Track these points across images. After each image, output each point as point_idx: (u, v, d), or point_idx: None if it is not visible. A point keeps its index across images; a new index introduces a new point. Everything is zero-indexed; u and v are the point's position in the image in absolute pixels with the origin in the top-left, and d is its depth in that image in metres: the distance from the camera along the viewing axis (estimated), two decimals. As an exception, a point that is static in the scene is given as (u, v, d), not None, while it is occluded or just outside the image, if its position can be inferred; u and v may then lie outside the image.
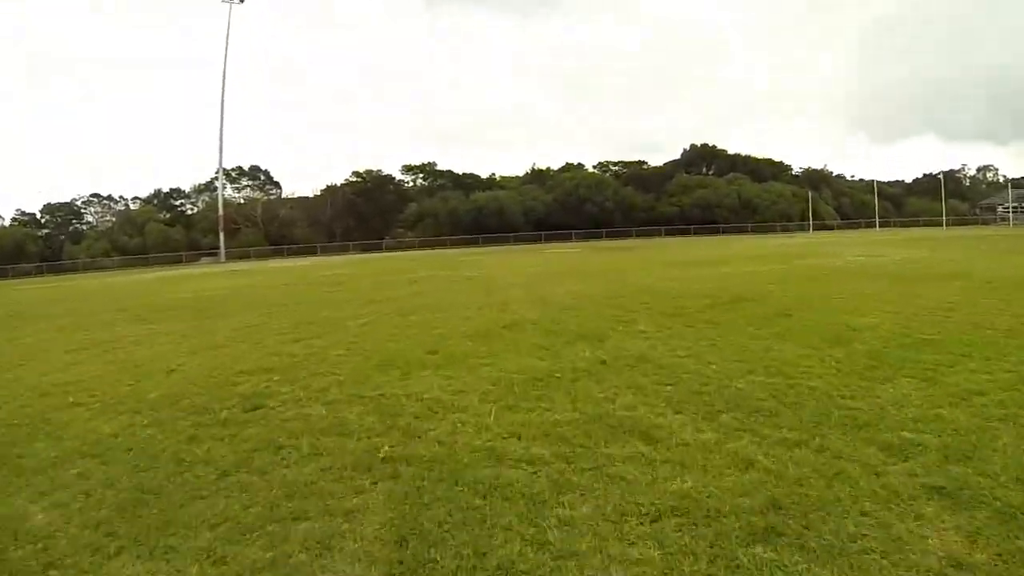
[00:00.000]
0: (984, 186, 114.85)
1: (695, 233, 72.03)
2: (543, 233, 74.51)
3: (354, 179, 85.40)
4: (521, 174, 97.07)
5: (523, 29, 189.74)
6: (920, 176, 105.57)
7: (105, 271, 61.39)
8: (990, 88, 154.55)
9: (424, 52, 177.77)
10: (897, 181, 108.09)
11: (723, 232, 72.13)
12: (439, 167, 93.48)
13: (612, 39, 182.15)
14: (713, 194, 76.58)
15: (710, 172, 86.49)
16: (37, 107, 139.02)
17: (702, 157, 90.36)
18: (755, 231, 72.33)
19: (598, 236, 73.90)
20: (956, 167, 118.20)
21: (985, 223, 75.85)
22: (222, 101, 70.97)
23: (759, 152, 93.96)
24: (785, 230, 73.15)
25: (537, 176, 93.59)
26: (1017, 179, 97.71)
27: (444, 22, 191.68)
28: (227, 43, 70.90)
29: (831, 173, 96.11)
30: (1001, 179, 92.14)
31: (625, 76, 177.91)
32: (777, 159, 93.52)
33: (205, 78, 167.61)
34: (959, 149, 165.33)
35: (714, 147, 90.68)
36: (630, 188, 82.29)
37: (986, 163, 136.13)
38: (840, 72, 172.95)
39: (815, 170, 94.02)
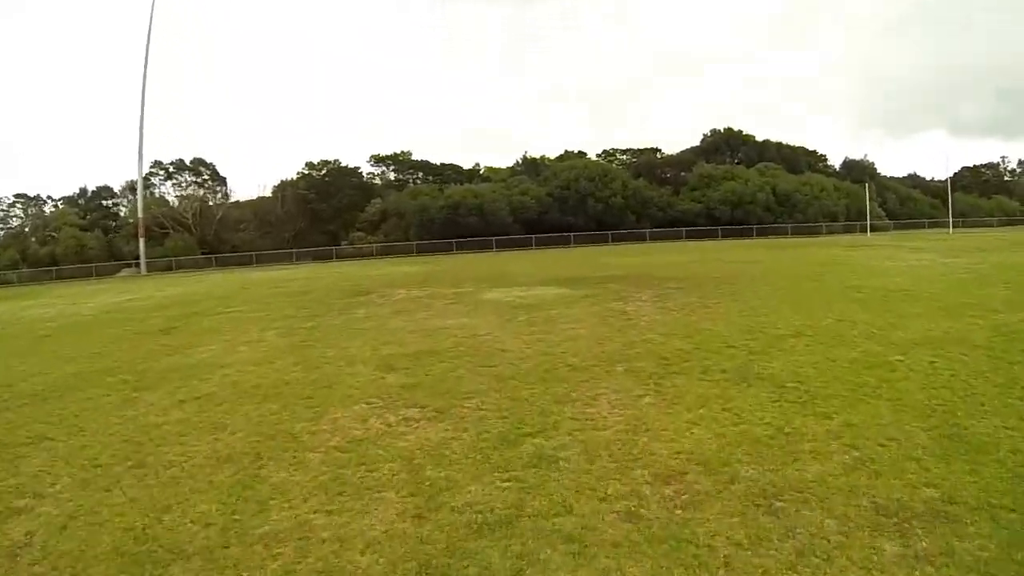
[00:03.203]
0: None
1: (724, 236, 66.74)
2: (534, 236, 68.02)
3: (308, 172, 79.41)
4: (512, 164, 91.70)
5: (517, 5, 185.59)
6: (959, 170, 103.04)
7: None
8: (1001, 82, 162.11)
9: (403, 29, 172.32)
10: (913, 176, 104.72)
11: (758, 234, 66.83)
12: (415, 157, 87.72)
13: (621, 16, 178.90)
14: (743, 187, 71.02)
15: (736, 161, 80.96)
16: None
17: (727, 143, 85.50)
18: (797, 232, 67.22)
19: (603, 240, 67.92)
20: (994, 160, 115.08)
21: None
22: (144, 81, 64.81)
23: (789, 140, 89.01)
24: (831, 232, 68.19)
25: (530, 166, 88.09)
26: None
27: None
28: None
29: (873, 165, 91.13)
30: None
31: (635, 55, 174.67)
32: (811, 148, 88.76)
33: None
34: (968, 143, 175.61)
35: (740, 132, 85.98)
36: (642, 180, 76.68)
37: None
38: (863, 62, 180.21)
39: (856, 161, 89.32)
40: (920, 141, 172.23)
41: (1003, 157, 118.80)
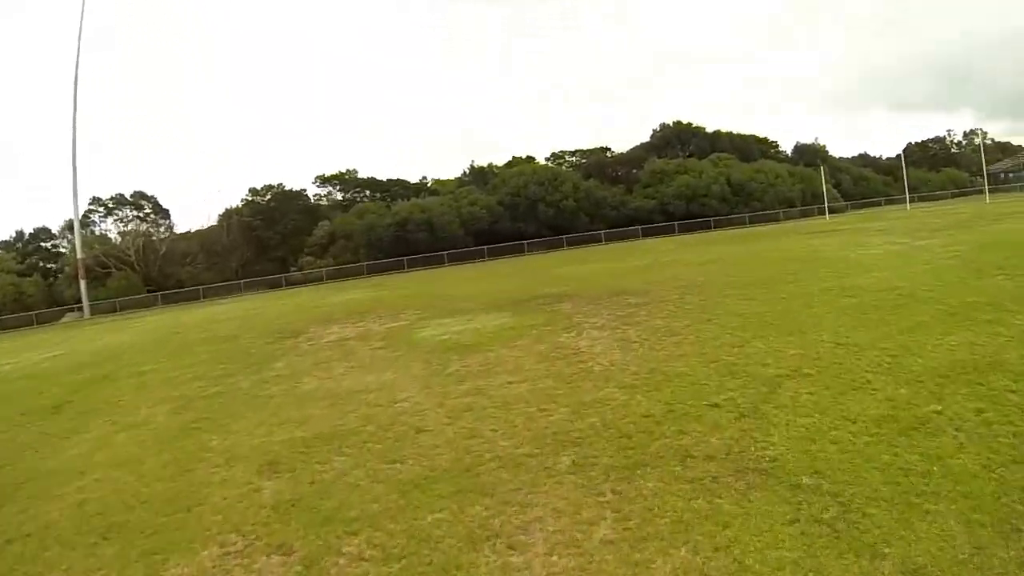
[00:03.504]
0: (972, 152, 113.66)
1: (681, 231, 65.40)
2: (486, 247, 66.25)
3: (252, 198, 76.74)
4: (459, 174, 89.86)
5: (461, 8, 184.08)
6: (907, 146, 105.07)
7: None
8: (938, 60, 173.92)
9: (345, 40, 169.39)
10: (864, 155, 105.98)
11: (716, 227, 65.69)
12: (360, 175, 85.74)
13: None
14: (697, 180, 69.95)
15: (688, 155, 79.85)
16: None
17: (678, 137, 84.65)
18: (754, 221, 66.55)
19: (558, 245, 66.33)
20: (940, 134, 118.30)
21: (1019, 189, 72.07)
22: (74, 111, 61.67)
23: (740, 128, 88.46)
24: (789, 217, 67.64)
25: (478, 175, 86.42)
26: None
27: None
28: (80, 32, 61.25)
29: (825, 148, 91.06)
30: (981, 144, 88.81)
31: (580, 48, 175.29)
32: (762, 135, 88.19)
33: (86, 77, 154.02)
34: (912, 118, 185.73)
35: (690, 124, 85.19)
36: (593, 180, 75.20)
37: (972, 128, 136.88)
38: (809, 46, 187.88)
39: (808, 145, 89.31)
40: (867, 120, 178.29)
41: (949, 130, 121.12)
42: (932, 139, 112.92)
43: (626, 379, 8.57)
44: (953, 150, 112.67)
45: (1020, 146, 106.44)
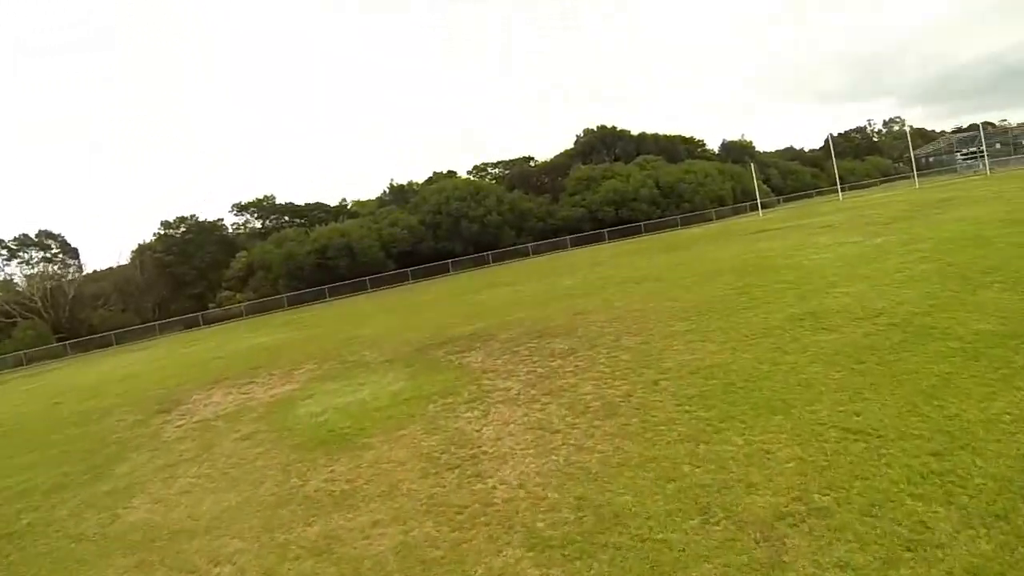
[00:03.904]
0: (893, 139, 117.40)
1: (612, 237, 63.63)
2: (410, 269, 63.59)
3: (165, 232, 72.57)
4: (379, 194, 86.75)
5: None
6: (828, 138, 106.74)
7: None
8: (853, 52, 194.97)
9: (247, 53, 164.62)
10: (790, 148, 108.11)
11: (647, 231, 64.23)
12: (279, 200, 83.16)
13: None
14: (625, 185, 68.20)
15: (614, 159, 78.10)
16: None
17: (602, 142, 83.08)
18: (687, 223, 65.91)
19: (484, 262, 63.89)
20: (861, 124, 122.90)
21: (939, 173, 72.60)
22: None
23: (667, 129, 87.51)
24: (721, 216, 66.97)
25: (398, 194, 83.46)
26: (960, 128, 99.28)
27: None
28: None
29: (752, 144, 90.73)
30: (907, 130, 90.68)
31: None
32: (688, 135, 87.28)
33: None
34: (833, 109, 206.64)
35: (614, 128, 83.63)
36: (518, 192, 72.81)
37: (892, 116, 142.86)
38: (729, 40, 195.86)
39: (735, 142, 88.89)
40: (791, 114, 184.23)
41: (869, 120, 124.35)
42: (854, 129, 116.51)
43: (541, 525, 5.59)
44: (875, 139, 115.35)
45: (936, 131, 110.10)
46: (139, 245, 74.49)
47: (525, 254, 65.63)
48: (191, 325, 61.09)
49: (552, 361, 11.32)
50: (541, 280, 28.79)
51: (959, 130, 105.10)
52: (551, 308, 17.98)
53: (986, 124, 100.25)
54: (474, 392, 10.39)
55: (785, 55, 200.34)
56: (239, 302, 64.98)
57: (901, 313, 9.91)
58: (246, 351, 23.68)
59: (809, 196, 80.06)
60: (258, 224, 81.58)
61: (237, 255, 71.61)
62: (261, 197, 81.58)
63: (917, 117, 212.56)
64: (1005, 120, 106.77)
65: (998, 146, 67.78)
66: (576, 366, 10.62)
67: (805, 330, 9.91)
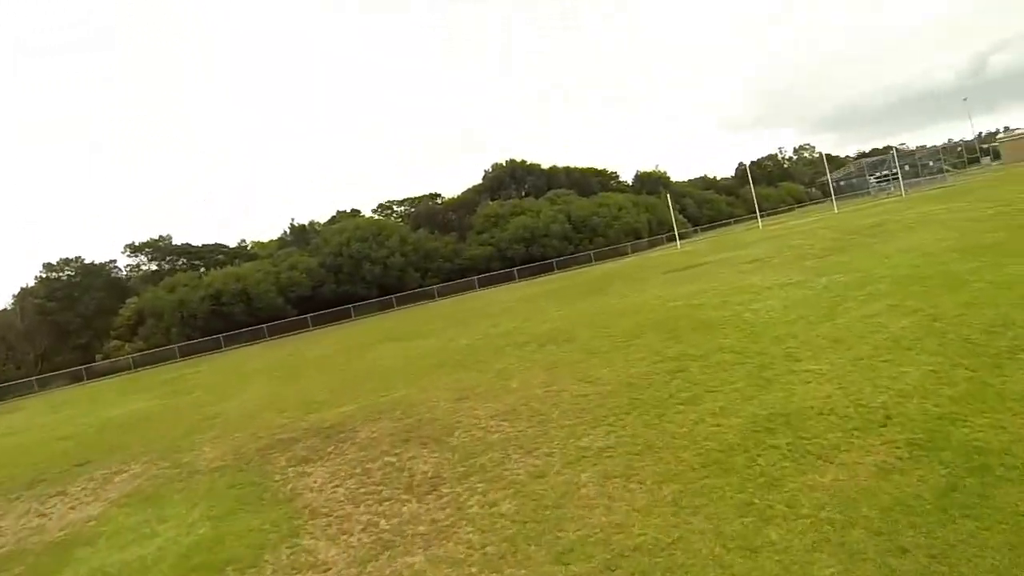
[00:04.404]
0: (803, 165, 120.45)
1: (522, 276, 60.88)
2: (310, 315, 59.91)
3: (47, 275, 67.96)
4: (280, 235, 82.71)
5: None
6: (739, 165, 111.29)
7: None
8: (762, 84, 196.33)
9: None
10: (703, 177, 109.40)
11: (559, 267, 61.71)
12: (176, 241, 78.12)
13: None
14: (535, 221, 65.31)
15: (524, 194, 75.39)
16: None
17: (511, 176, 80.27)
18: (600, 258, 64.39)
19: (388, 306, 60.63)
20: (772, 151, 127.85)
21: (852, 196, 73.31)
22: None
23: (578, 162, 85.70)
24: (637, 250, 64.79)
25: (299, 235, 79.03)
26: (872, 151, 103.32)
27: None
28: None
29: (666, 174, 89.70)
30: (823, 156, 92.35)
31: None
32: (600, 167, 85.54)
33: None
34: (741, 138, 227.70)
35: (524, 162, 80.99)
36: (423, 231, 69.27)
37: (802, 143, 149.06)
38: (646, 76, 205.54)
39: (648, 173, 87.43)
40: (703, 144, 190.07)
41: (780, 147, 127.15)
42: (766, 156, 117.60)
43: None
44: (786, 165, 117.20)
45: (841, 157, 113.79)
46: (21, 289, 69.11)
47: (431, 296, 62.55)
48: (77, 379, 56.60)
49: (405, 504, 7.45)
50: (438, 334, 25.04)
51: (863, 155, 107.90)
52: (435, 384, 14.19)
53: (887, 148, 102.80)
54: (282, 563, 6.54)
55: (695, 88, 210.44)
56: (128, 353, 60.16)
57: (915, 416, 6.50)
58: (96, 428, 19.95)
59: (727, 224, 79.24)
60: (153, 266, 76.12)
61: (127, 301, 67.06)
62: (156, 237, 76.51)
63: (821, 144, 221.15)
64: (904, 144, 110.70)
65: (907, 168, 68.40)
66: (432, 522, 6.77)
67: (783, 458, 6.25)
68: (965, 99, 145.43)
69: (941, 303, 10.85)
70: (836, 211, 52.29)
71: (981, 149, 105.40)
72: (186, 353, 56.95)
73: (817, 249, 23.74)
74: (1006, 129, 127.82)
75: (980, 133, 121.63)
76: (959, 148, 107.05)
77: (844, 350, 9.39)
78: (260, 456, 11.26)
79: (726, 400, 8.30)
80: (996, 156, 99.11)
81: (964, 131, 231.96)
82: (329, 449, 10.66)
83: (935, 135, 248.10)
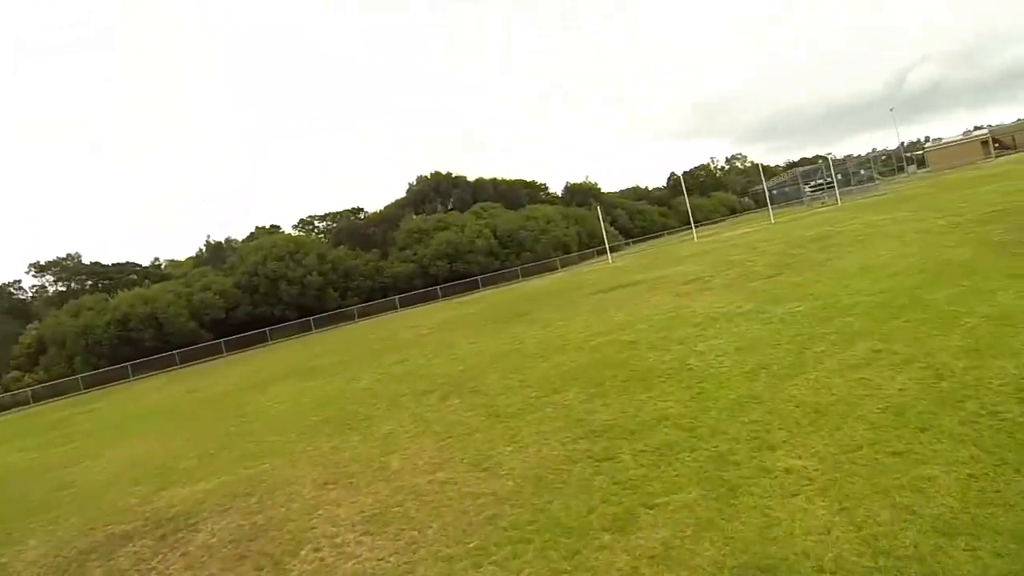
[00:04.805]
0: (736, 175, 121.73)
1: (445, 294, 58.59)
2: (224, 340, 56.15)
3: None
4: (195, 253, 78.93)
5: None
6: (671, 176, 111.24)
7: None
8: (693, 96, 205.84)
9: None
10: (635, 188, 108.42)
11: (485, 284, 59.90)
12: (85, 260, 73.49)
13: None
14: (459, 236, 62.71)
15: (449, 208, 72.76)
16: None
17: (436, 190, 77.47)
18: (527, 274, 62.70)
19: (306, 328, 57.74)
20: (704, 160, 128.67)
21: (786, 205, 73.24)
22: None
23: (506, 173, 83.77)
24: (567, 264, 63.25)
25: (215, 253, 74.97)
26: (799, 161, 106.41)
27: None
28: None
29: (597, 185, 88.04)
30: (759, 166, 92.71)
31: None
32: (529, 179, 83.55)
33: None
34: (672, 148, 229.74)
35: (449, 174, 78.51)
36: (343, 248, 66.04)
37: (734, 152, 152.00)
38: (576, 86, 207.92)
39: (579, 184, 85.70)
40: (634, 154, 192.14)
41: (712, 157, 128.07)
42: (698, 166, 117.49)
43: None
44: (718, 175, 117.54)
45: (771, 166, 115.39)
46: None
47: (351, 318, 59.53)
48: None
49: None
50: (341, 370, 22.31)
51: (794, 164, 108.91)
52: (309, 454, 11.31)
53: (818, 157, 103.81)
54: None
55: (627, 98, 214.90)
56: (28, 385, 55.10)
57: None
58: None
59: (660, 236, 78.03)
60: (60, 287, 71.87)
61: (28, 327, 63.34)
62: (64, 256, 72.32)
63: (752, 154, 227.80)
64: (831, 153, 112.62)
65: (840, 177, 68.17)
66: None
67: None
68: (892, 109, 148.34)
69: (936, 349, 8.42)
70: (773, 221, 50.95)
71: (906, 158, 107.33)
72: (91, 384, 52.40)
73: (761, 266, 21.45)
74: (927, 139, 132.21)
75: (903, 143, 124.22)
76: (883, 157, 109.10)
77: (832, 430, 6.74)
78: (77, 565, 8.36)
79: (672, 530, 5.47)
80: (920, 164, 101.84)
81: (888, 141, 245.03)
82: (155, 561, 7.77)
83: (860, 145, 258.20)
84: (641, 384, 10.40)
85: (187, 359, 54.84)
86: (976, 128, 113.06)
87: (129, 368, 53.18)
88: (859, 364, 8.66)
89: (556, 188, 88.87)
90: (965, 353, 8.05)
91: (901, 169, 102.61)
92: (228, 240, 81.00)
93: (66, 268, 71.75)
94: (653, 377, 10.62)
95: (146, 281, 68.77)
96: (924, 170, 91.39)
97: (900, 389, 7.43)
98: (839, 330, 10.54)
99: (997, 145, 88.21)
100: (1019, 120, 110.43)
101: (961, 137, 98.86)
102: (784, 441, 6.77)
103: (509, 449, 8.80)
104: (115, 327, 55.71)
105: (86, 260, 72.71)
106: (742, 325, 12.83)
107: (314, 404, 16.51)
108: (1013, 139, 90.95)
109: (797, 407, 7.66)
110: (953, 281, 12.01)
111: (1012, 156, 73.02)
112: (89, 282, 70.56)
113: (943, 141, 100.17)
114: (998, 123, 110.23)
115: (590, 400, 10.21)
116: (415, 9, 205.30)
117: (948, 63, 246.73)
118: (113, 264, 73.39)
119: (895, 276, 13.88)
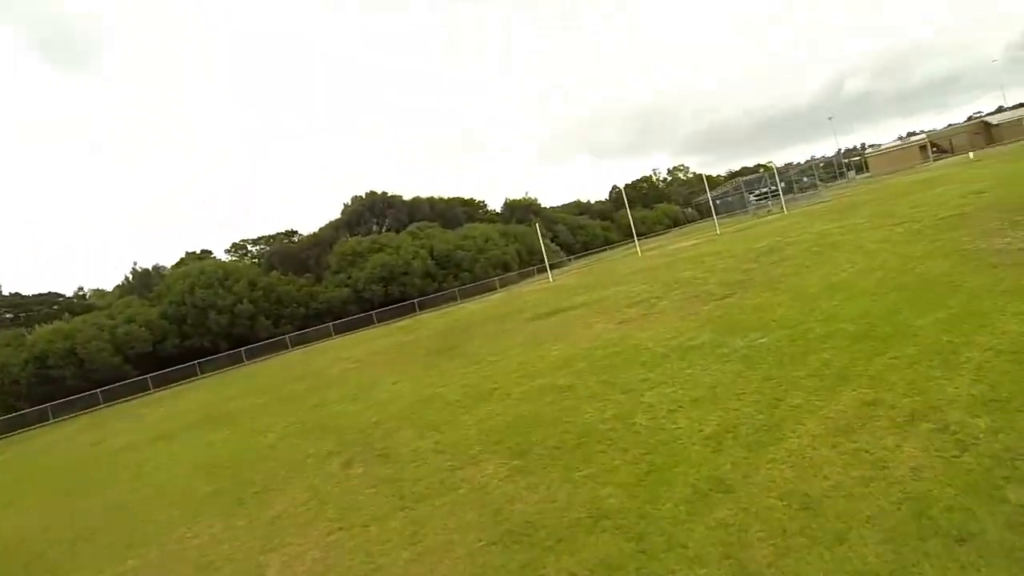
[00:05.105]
0: (679, 186, 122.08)
1: (380, 320, 56.58)
2: (150, 376, 52.71)
3: None
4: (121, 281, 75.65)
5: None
6: (613, 189, 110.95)
7: None
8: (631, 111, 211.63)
9: None
10: (577, 202, 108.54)
11: (421, 308, 57.73)
12: (4, 291, 68.98)
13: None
14: (395, 258, 60.46)
15: (384, 229, 70.50)
16: None
17: (370, 210, 75.18)
18: (466, 295, 60.72)
19: (237, 360, 54.71)
20: (647, 173, 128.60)
21: (730, 215, 72.77)
22: None
23: (443, 192, 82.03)
24: (506, 284, 62.01)
25: (142, 281, 71.46)
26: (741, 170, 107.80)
27: None
28: None
29: (537, 201, 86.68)
30: (703, 176, 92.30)
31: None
32: (467, 196, 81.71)
33: None
34: (611, 162, 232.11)
35: (385, 194, 76.06)
36: (276, 273, 63.21)
37: (676, 164, 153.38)
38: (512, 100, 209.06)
39: (518, 200, 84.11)
40: (575, 169, 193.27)
41: (654, 169, 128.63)
42: (641, 178, 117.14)
43: None
44: (660, 186, 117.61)
45: (714, 176, 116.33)
46: None
47: (284, 347, 56.60)
48: None
49: None
50: (251, 419, 20.02)
51: (734, 174, 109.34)
52: (179, 547, 9.24)
53: (759, 166, 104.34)
54: None
55: (564, 113, 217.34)
56: None
57: None
58: None
59: (603, 250, 76.81)
60: None
61: None
62: None
63: (692, 165, 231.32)
64: (771, 162, 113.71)
65: (783, 184, 67.67)
66: None
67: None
68: (831, 118, 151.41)
69: (943, 401, 6.68)
70: (719, 232, 49.68)
71: (845, 164, 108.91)
72: (7, 429, 47.54)
73: (713, 284, 19.47)
74: (864, 146, 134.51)
75: (840, 149, 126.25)
76: (821, 164, 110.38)
77: (832, 544, 4.77)
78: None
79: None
80: (860, 170, 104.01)
81: (824, 149, 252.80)
82: None
83: (797, 154, 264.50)
84: (576, 453, 8.29)
85: (112, 397, 50.66)
86: (911, 133, 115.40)
87: (49, 410, 48.97)
88: (850, 425, 6.77)
89: (495, 205, 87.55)
90: (982, 406, 6.31)
91: (842, 175, 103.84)
92: (156, 267, 77.34)
93: (-16, 300, 67.21)
94: (591, 442, 8.52)
95: (66, 314, 64.86)
96: (864, 175, 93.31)
97: (913, 469, 5.55)
98: (816, 372, 8.66)
99: (935, 149, 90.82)
100: (951, 125, 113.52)
101: (900, 142, 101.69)
102: (769, 564, 4.77)
103: (405, 557, 6.66)
104: (33, 365, 51.56)
105: (5, 291, 68.58)
106: (697, 364, 10.83)
107: (213, 467, 14.28)
108: (950, 143, 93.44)
109: (780, 499, 5.70)
110: (937, 302, 10.30)
111: (949, 159, 74.29)
112: (9, 315, 66.26)
113: (883, 146, 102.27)
114: (931, 128, 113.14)
115: (512, 477, 8.10)
116: (415, 9, 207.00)
117: (875, 75, 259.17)
118: (34, 295, 69.05)
119: (867, 296, 12.12)
